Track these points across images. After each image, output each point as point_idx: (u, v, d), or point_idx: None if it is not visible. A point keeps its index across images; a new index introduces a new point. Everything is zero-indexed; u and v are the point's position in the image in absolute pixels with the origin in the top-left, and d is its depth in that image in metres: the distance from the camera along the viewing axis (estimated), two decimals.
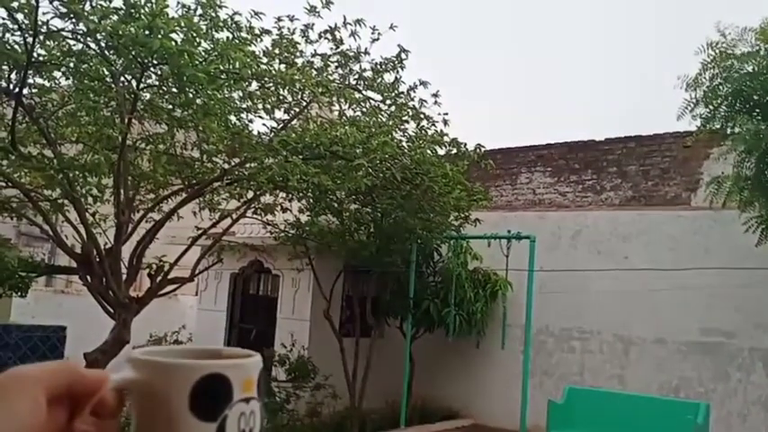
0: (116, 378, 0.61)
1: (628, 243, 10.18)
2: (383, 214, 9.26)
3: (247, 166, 7.48)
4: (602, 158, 10.90)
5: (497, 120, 37.49)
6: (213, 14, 6.24)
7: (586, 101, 40.52)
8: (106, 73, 6.39)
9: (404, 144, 8.22)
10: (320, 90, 6.89)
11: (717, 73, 7.32)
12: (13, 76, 6.13)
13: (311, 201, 8.99)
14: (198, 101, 6.53)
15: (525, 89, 43.89)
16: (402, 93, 8.02)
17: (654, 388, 9.54)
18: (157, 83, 6.59)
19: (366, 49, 7.51)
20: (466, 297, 10.22)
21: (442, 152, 8.67)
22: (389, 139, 7.52)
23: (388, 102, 8.05)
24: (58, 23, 5.61)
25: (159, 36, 5.40)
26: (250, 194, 8.14)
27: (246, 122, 7.57)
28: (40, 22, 5.45)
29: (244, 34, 6.56)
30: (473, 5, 42.43)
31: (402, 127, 8.23)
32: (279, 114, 7.67)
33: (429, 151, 8.34)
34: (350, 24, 7.19)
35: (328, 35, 7.34)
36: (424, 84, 7.95)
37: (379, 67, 7.74)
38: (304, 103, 7.57)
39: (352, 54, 7.54)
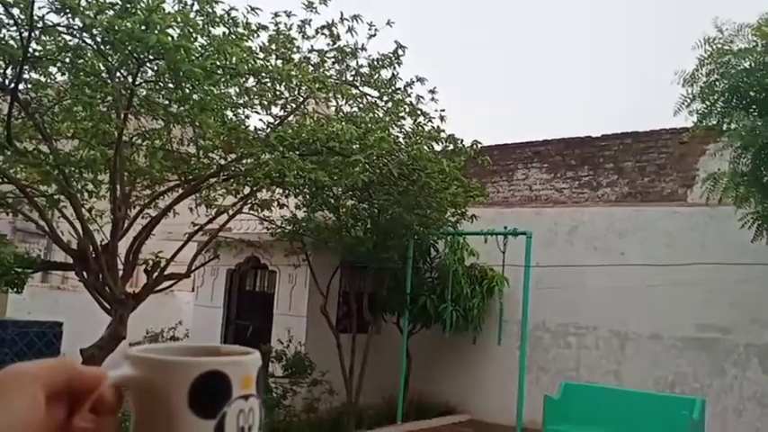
0: (115, 375, 0.61)
1: (624, 239, 10.20)
2: (380, 210, 9.27)
3: (244, 161, 7.46)
4: (599, 155, 10.91)
5: (497, 120, 37.51)
6: (210, 10, 6.22)
7: (586, 100, 40.58)
8: (102, 68, 6.37)
9: (401, 140, 8.22)
10: (317, 86, 6.88)
11: (713, 69, 7.33)
12: (8, 71, 6.11)
13: (308, 197, 8.98)
14: (194, 96, 6.51)
15: (525, 89, 43.92)
16: (399, 89, 8.01)
17: (649, 383, 9.57)
18: (154, 78, 6.57)
19: (363, 45, 7.51)
20: (462, 293, 10.24)
21: (438, 148, 8.67)
22: (386, 135, 7.51)
23: (384, 98, 8.05)
24: (53, 18, 5.60)
25: (155, 31, 5.38)
26: (247, 190, 8.12)
27: (243, 118, 7.57)
28: (35, 17, 5.43)
29: (240, 30, 6.54)
30: (473, 5, 42.44)
31: (399, 123, 8.23)
32: (275, 110, 7.66)
33: (426, 147, 8.34)
34: (347, 20, 7.19)
35: (325, 31, 7.33)
36: (420, 80, 7.96)
37: (375, 63, 7.73)
38: (301, 99, 7.56)
39: (349, 50, 7.53)
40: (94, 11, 5.40)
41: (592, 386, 9.39)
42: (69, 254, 7.10)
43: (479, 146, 8.87)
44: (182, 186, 7.73)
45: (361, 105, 8.07)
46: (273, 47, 7.05)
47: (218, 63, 6.06)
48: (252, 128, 7.68)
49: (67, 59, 6.24)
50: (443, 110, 8.17)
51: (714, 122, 7.62)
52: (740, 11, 7.41)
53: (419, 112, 8.19)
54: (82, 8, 5.38)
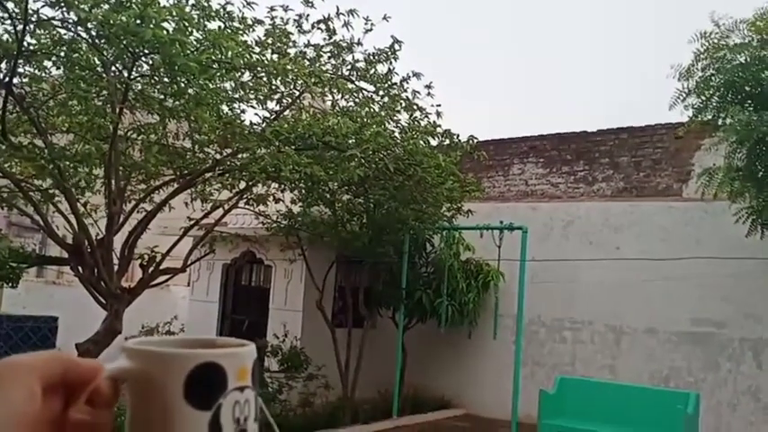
0: (111, 367, 0.61)
1: (619, 234, 10.22)
2: (376, 205, 9.27)
3: (239, 156, 7.46)
4: (595, 149, 10.92)
5: (497, 119, 37.50)
6: (205, 4, 6.21)
7: (586, 100, 40.58)
8: (97, 62, 6.35)
9: (396, 135, 8.21)
10: (313, 80, 6.88)
11: (709, 63, 7.34)
12: (3, 65, 6.09)
13: (303, 191, 8.98)
14: (190, 91, 6.50)
15: (525, 88, 43.89)
16: (395, 84, 8.01)
17: (644, 378, 9.61)
18: (149, 72, 6.55)
19: (359, 39, 7.50)
20: (458, 287, 10.25)
21: (434, 143, 8.67)
22: (382, 130, 7.51)
23: (380, 93, 8.04)
24: (48, 12, 5.58)
25: (151, 25, 5.37)
26: (242, 185, 8.12)
27: (239, 112, 7.55)
28: (30, 11, 5.41)
29: (236, 24, 6.53)
30: (473, 5, 42.37)
31: (395, 118, 8.23)
32: (271, 105, 7.65)
33: (422, 142, 8.34)
34: (343, 15, 7.17)
35: (321, 25, 7.31)
36: (417, 75, 7.95)
37: (372, 57, 7.72)
38: (296, 94, 7.55)
39: (345, 45, 7.52)
40: (89, 5, 5.38)
41: (587, 380, 9.42)
42: (64, 248, 7.09)
43: (475, 141, 8.87)
44: (177, 181, 7.72)
45: (357, 100, 8.06)
46: (269, 41, 7.03)
47: (213, 57, 6.05)
48: (247, 122, 7.67)
49: (62, 53, 6.22)
50: (439, 105, 8.18)
51: (709, 117, 7.63)
52: (738, 6, 7.41)
53: (415, 107, 8.19)
54: (77, 2, 5.35)
